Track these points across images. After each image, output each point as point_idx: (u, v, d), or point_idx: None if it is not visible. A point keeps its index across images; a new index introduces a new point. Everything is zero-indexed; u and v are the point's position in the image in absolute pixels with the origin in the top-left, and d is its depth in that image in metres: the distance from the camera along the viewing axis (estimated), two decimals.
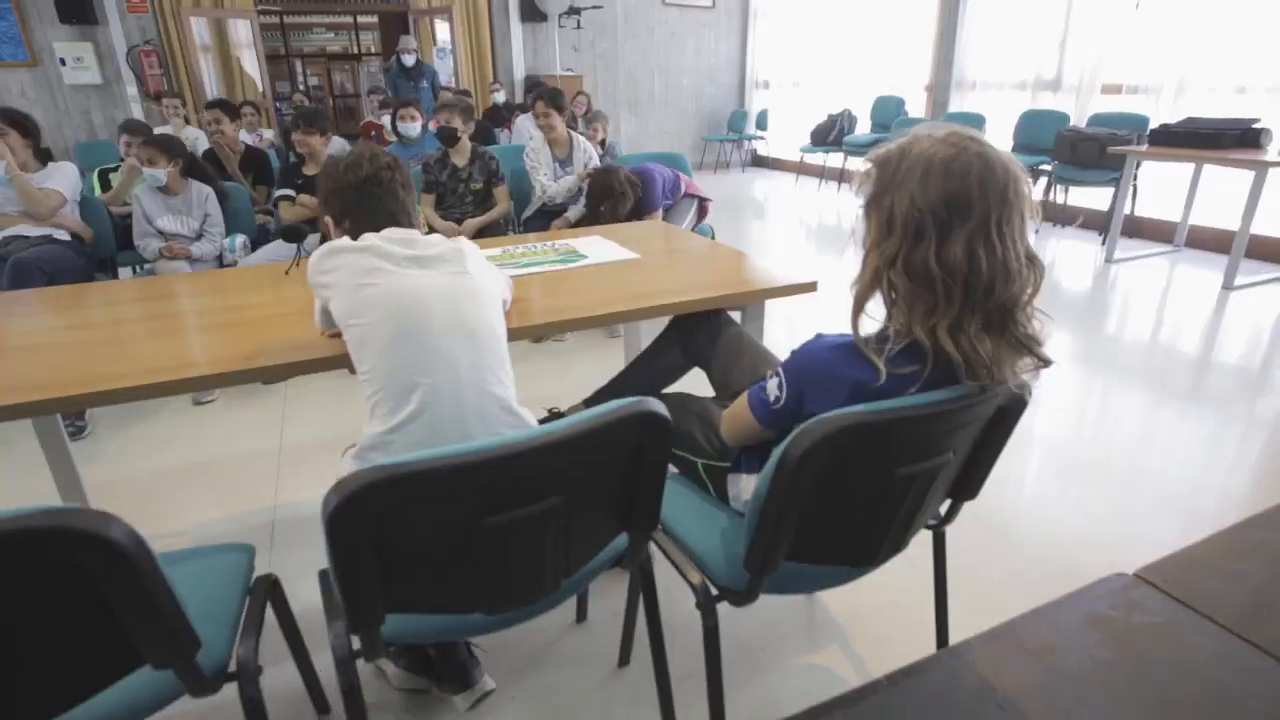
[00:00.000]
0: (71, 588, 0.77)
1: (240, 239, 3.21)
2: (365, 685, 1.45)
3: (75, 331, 1.60)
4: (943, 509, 1.30)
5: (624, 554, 1.20)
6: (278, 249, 3.13)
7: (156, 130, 3.88)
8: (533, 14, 7.69)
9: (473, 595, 0.98)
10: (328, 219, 1.33)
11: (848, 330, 1.02)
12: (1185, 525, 1.99)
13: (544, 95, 3.25)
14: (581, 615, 1.69)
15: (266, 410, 2.81)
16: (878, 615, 1.71)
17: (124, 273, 3.38)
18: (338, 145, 3.91)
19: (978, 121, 5.86)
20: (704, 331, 1.64)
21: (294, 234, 1.83)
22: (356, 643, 0.99)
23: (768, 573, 1.05)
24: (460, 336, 1.18)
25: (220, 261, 3.17)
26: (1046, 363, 1.00)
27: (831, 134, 7.27)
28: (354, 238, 1.23)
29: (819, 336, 1.05)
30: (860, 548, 1.11)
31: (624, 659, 1.57)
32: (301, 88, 11.50)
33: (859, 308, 1.01)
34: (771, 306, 1.91)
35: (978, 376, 0.95)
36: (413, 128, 3.96)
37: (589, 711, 1.47)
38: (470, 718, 1.45)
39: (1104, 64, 5.28)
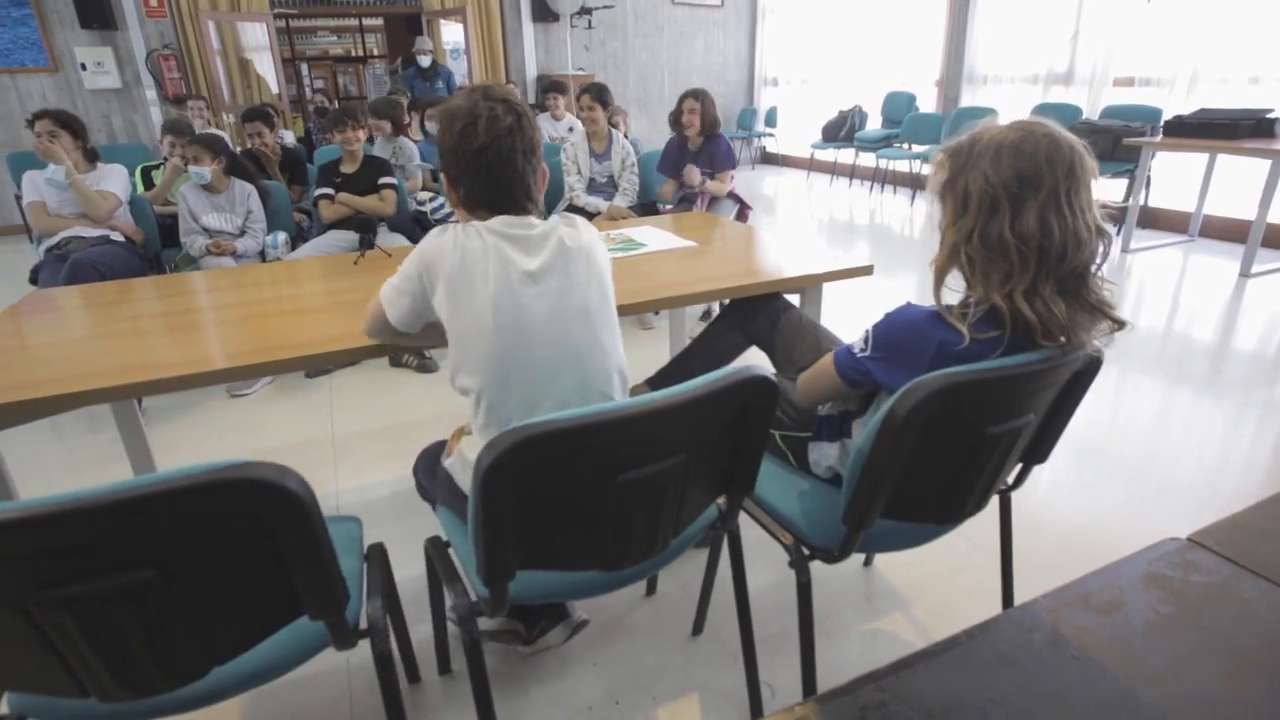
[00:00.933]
0: (250, 537, 0.84)
1: (281, 235, 3.28)
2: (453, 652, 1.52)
3: (149, 320, 1.66)
4: (1010, 477, 1.36)
5: (714, 521, 1.27)
6: (325, 243, 3.20)
7: None
8: (544, 14, 7.76)
9: (595, 552, 1.05)
10: (444, 175, 1.25)
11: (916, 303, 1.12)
12: (1215, 501, 2.05)
13: (590, 89, 3.35)
14: (651, 589, 1.76)
15: (312, 402, 2.88)
16: (935, 583, 1.78)
17: (168, 271, 3.44)
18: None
19: (990, 116, 5.93)
20: (764, 313, 1.71)
21: (365, 226, 1.90)
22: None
23: (865, 528, 1.12)
24: (569, 357, 1.17)
25: (263, 257, 3.23)
26: (1120, 324, 1.07)
27: (842, 130, 7.34)
28: (467, 208, 1.22)
29: (909, 305, 1.12)
30: (948, 505, 1.18)
31: (698, 627, 1.64)
32: (316, 89, 11.56)
33: (940, 280, 1.10)
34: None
35: (1054, 339, 1.03)
36: None
37: (669, 675, 1.53)
38: (558, 683, 1.51)
39: (1116, 57, 5.35)
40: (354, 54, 13.45)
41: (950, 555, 1.84)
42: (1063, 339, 1.04)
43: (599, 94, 3.33)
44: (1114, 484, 2.16)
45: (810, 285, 1.78)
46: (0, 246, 6.16)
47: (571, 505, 0.98)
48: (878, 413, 1.03)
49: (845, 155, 7.54)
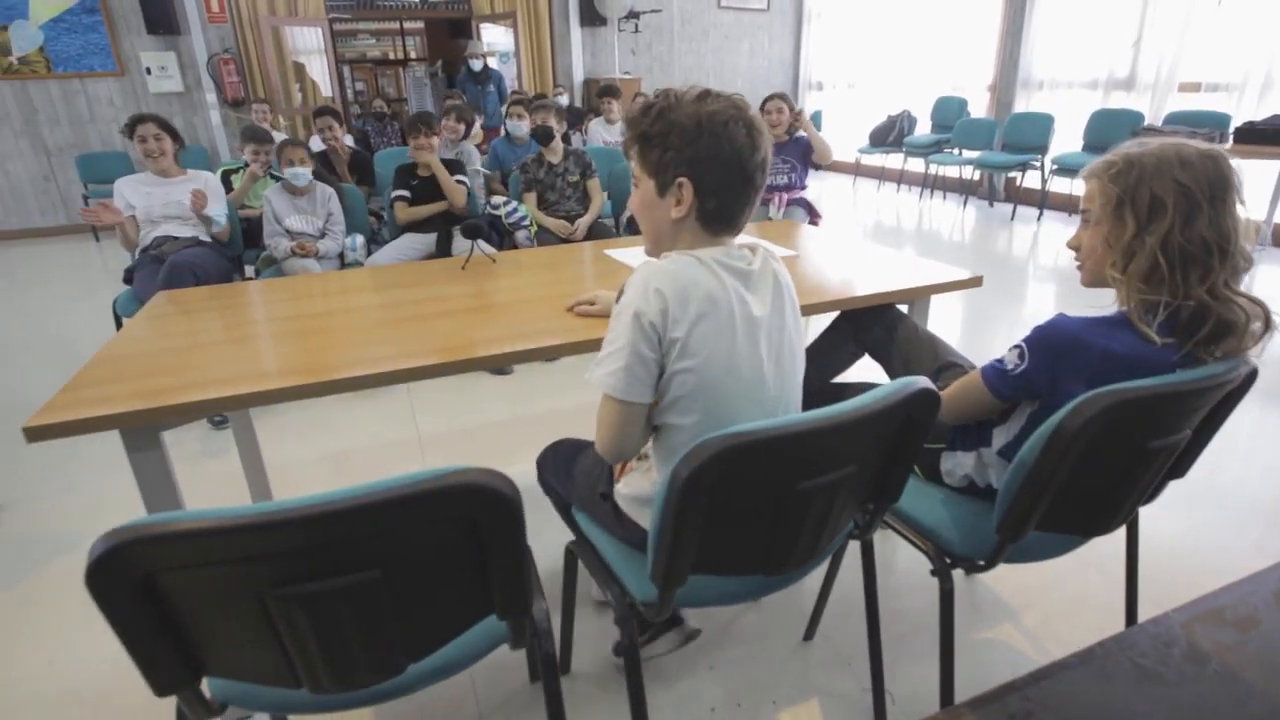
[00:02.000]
0: (462, 539, 0.87)
1: (359, 238, 3.35)
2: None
3: (280, 324, 1.70)
4: None
5: (851, 529, 1.29)
6: (404, 246, 3.27)
7: None
8: (592, 18, 7.82)
9: (764, 556, 1.07)
10: (683, 181, 1.05)
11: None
12: None
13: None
14: None
15: (392, 403, 2.94)
16: (1038, 594, 1.78)
17: (248, 271, 3.53)
18: None
19: (1045, 121, 5.86)
20: (879, 324, 1.72)
21: (473, 231, 1.94)
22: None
23: (1019, 539, 1.13)
24: (778, 396, 1.13)
25: (341, 260, 3.31)
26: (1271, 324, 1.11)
27: (891, 135, 7.30)
28: (700, 221, 1.08)
29: (1061, 316, 1.15)
30: (1099, 517, 1.19)
31: (809, 634, 1.66)
32: (357, 92, 11.74)
33: (1132, 287, 1.10)
34: None
35: (1238, 335, 1.06)
36: (521, 126, 4.13)
37: (787, 679, 1.56)
38: (677, 685, 1.54)
39: (1182, 61, 5.26)
40: (392, 57, 13.64)
41: (1050, 566, 1.83)
42: (1242, 338, 1.07)
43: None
44: (1226, 502, 2.14)
45: (920, 297, 1.78)
46: (68, 246, 6.36)
47: (753, 512, 1.00)
48: (1044, 425, 1.04)
49: (893, 160, 7.50)
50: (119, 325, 3.09)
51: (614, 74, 7.79)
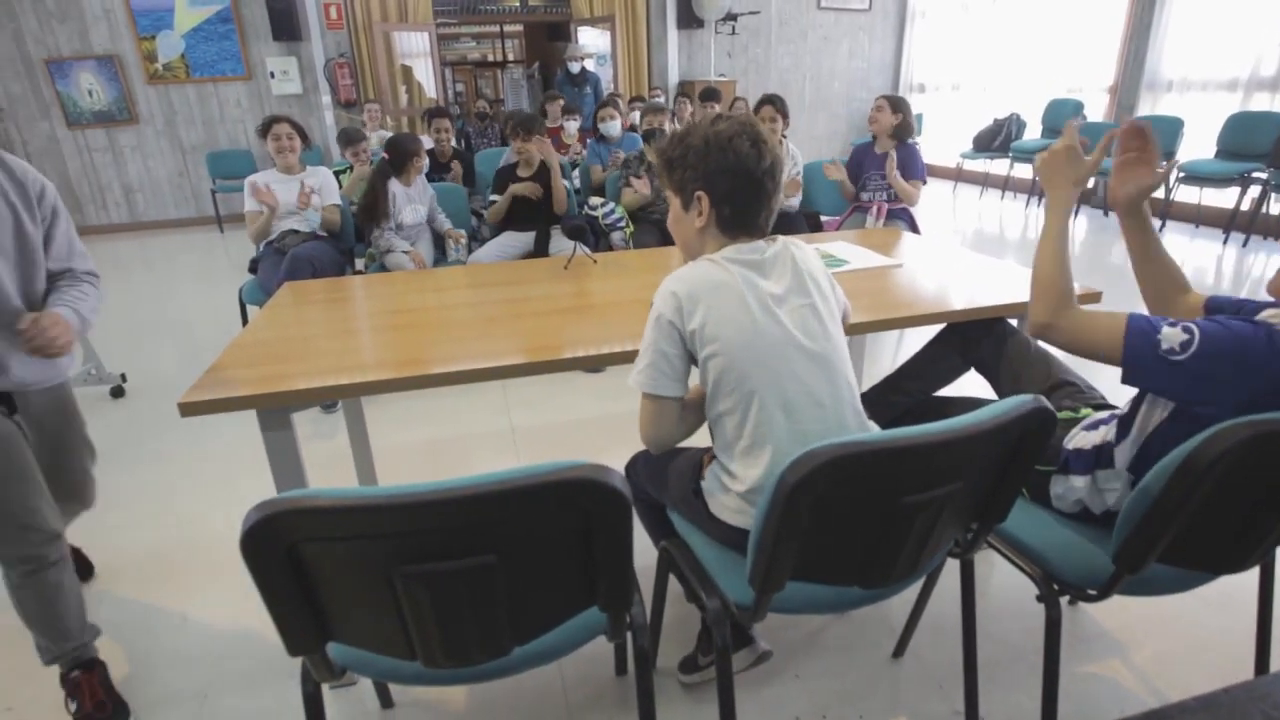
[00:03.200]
0: (573, 531, 0.91)
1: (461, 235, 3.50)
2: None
3: (387, 318, 1.80)
4: None
5: (951, 547, 1.25)
6: (505, 244, 3.39)
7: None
8: (689, 20, 7.85)
9: (864, 568, 1.06)
10: (700, 194, 1.18)
11: None
12: None
13: (772, 100, 3.38)
14: None
15: (488, 396, 3.05)
16: (1151, 632, 1.68)
17: (358, 264, 3.74)
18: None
19: (1173, 125, 5.47)
20: (989, 338, 1.66)
21: (577, 233, 2.00)
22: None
23: (1139, 571, 1.07)
24: (819, 377, 1.17)
25: (444, 255, 3.46)
26: None
27: (997, 139, 6.98)
28: (719, 228, 1.20)
29: (1251, 322, 1.02)
30: (1232, 555, 1.11)
31: (899, 650, 1.62)
32: (456, 93, 12.19)
33: None
34: None
35: None
36: (613, 126, 4.24)
37: (875, 695, 1.53)
38: (763, 691, 1.54)
39: None
40: (491, 59, 14.08)
41: (1165, 602, 1.73)
42: None
43: (780, 105, 3.35)
44: None
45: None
46: (196, 236, 6.91)
47: (856, 523, 1.00)
48: (1175, 452, 0.99)
49: (998, 166, 7.17)
50: (243, 310, 3.34)
51: (709, 76, 7.79)
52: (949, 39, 8.12)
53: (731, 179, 1.16)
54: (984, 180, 7.46)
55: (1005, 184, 7.18)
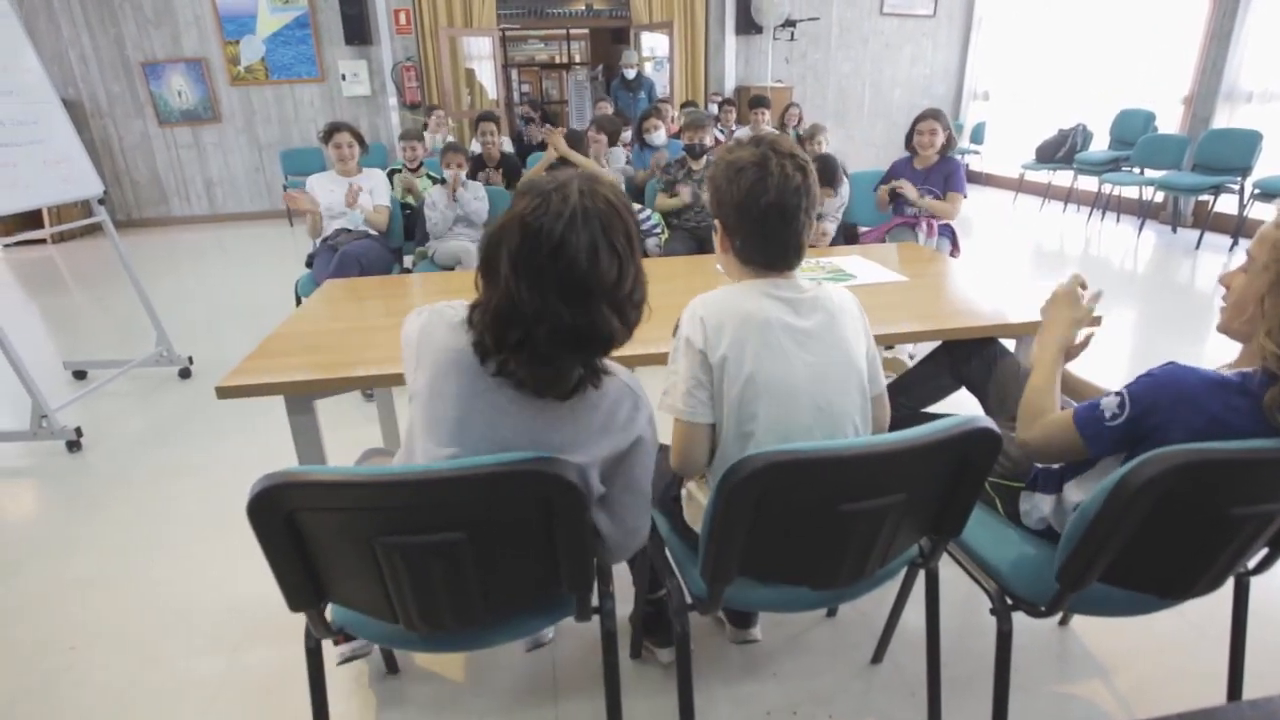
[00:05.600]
0: (536, 517, 1.01)
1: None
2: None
3: None
4: (1253, 560, 1.27)
5: (915, 557, 1.31)
6: None
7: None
8: (747, 26, 7.88)
9: (809, 570, 1.14)
10: (717, 224, 1.21)
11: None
12: None
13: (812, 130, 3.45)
14: (832, 611, 1.81)
15: None
16: (1138, 657, 1.68)
17: (406, 262, 3.94)
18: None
19: (1250, 139, 5.23)
20: (979, 357, 1.70)
21: None
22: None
23: (1079, 589, 1.11)
24: (827, 428, 1.18)
25: None
26: None
27: (1061, 150, 6.78)
28: (740, 259, 1.21)
29: (1174, 364, 1.09)
30: (1176, 581, 1.14)
31: (878, 656, 1.67)
32: (523, 94, 12.49)
33: (1270, 358, 1.01)
34: None
35: None
36: (658, 136, 4.36)
37: (847, 697, 1.59)
38: (740, 685, 1.62)
39: None
40: (557, 61, 14.35)
41: (1159, 630, 1.72)
42: None
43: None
44: None
45: (1030, 333, 1.73)
46: (268, 229, 7.33)
47: (795, 527, 1.08)
48: (1109, 475, 1.03)
49: (1061, 178, 6.95)
50: (298, 302, 3.58)
51: (765, 82, 7.80)
52: (1015, 45, 7.91)
53: (736, 213, 1.16)
54: (1045, 191, 7.24)
55: (1068, 196, 6.96)
